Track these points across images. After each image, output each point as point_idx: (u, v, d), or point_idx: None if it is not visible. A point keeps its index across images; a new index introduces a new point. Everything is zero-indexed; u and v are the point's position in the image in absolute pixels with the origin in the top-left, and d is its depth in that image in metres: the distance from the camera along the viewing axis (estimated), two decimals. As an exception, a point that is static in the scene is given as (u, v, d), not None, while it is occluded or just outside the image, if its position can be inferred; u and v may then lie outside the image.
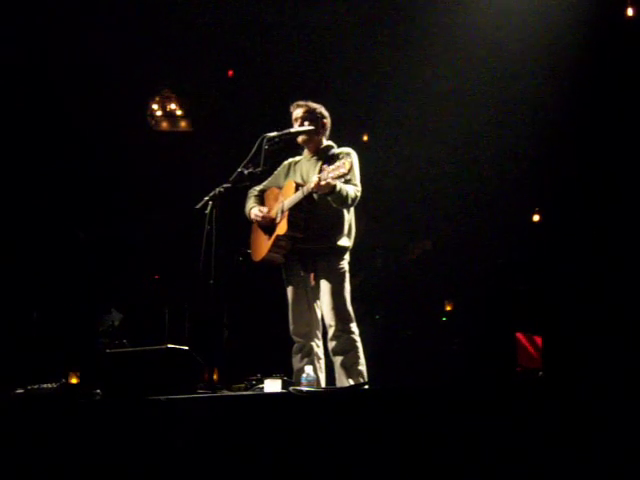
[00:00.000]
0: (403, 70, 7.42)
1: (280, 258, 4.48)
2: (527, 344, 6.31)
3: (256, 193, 4.73)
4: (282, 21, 7.23)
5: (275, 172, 4.75)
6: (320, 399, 3.40)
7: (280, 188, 4.61)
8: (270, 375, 4.05)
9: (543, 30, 6.85)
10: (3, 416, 3.84)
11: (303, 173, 4.55)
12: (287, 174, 4.67)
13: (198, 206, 4.39)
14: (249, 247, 4.72)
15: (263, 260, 4.52)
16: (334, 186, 4.11)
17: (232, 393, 4.10)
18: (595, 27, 6.79)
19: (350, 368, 4.27)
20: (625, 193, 6.99)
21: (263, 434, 3.24)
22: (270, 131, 4.38)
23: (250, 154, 4.34)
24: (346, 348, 4.30)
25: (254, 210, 4.61)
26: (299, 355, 4.45)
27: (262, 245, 4.53)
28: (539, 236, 7.89)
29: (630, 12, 6.74)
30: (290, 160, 4.73)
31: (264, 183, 4.75)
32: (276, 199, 4.57)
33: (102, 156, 7.81)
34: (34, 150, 7.46)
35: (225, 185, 4.35)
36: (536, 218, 8.27)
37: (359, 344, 4.34)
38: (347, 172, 4.01)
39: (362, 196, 4.34)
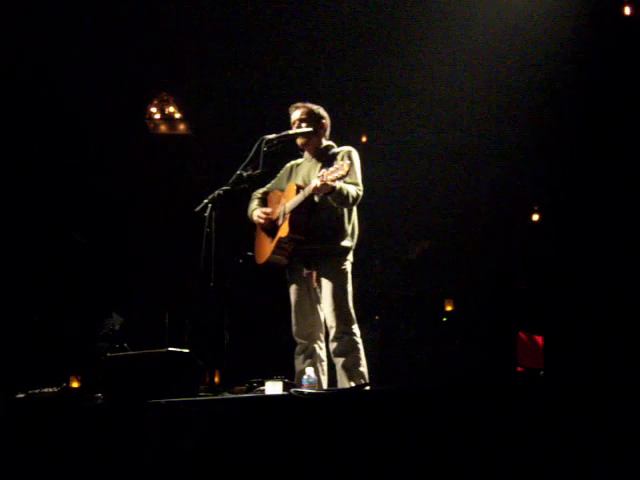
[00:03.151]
0: (402, 71, 7.42)
1: (283, 260, 4.48)
2: (528, 343, 6.31)
3: (259, 195, 4.73)
4: (280, 23, 7.23)
5: (278, 175, 4.75)
6: (321, 401, 3.40)
7: (282, 191, 4.61)
8: (271, 377, 4.04)
9: (540, 29, 6.86)
10: (4, 420, 3.84)
11: (304, 175, 4.55)
12: (289, 176, 4.67)
13: (197, 209, 4.38)
14: (251, 249, 4.72)
15: (267, 262, 4.52)
16: (334, 187, 4.11)
17: (233, 395, 4.10)
18: (592, 25, 6.80)
19: (351, 370, 4.26)
20: (624, 190, 7.00)
21: (264, 436, 3.24)
22: (269, 133, 4.38)
23: (249, 156, 4.33)
24: (347, 350, 4.29)
25: (256, 212, 4.61)
26: (302, 356, 4.45)
27: (265, 248, 4.53)
28: (539, 235, 7.90)
29: (627, 11, 6.75)
30: (292, 162, 4.73)
31: (267, 186, 4.75)
32: (278, 202, 4.56)
33: (101, 159, 7.81)
34: (32, 153, 7.45)
35: (224, 187, 4.34)
36: (535, 217, 8.29)
37: (360, 345, 4.32)
38: (346, 174, 4.00)
39: (363, 196, 4.33)
